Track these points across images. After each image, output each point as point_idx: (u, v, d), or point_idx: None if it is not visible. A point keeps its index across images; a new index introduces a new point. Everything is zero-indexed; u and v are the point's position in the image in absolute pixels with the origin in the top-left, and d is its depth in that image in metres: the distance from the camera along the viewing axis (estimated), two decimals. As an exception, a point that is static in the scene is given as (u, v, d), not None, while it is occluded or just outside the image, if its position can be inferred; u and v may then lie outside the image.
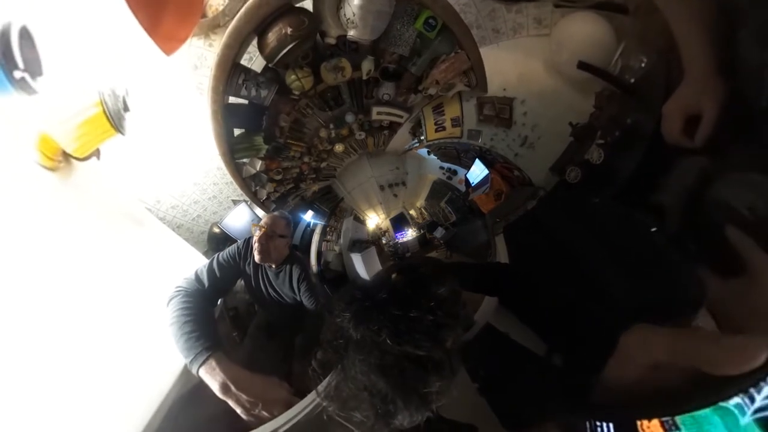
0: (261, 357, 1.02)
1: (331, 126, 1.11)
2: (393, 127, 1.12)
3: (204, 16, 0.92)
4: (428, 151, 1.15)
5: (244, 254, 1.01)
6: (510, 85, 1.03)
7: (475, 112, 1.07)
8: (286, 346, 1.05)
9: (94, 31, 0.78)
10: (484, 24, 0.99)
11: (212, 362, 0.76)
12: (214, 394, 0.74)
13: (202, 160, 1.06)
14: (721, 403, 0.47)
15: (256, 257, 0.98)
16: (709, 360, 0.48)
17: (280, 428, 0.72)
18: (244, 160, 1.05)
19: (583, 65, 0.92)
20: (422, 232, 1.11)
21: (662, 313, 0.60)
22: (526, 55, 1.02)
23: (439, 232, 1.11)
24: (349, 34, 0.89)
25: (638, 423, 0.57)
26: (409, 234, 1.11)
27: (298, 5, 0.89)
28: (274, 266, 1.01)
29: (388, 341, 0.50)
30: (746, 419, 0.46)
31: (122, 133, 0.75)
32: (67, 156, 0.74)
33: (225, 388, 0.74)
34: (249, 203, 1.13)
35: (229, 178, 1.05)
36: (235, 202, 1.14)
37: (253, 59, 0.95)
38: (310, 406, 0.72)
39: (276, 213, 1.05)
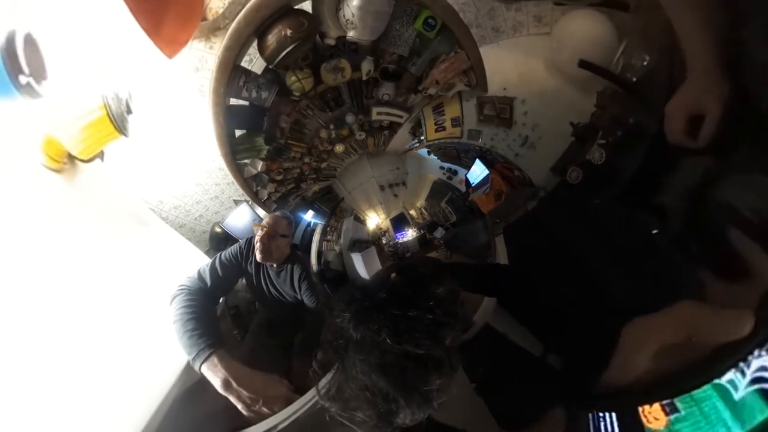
0: (262, 354, 1.03)
1: (332, 126, 1.11)
2: (393, 127, 1.12)
3: (204, 19, 0.93)
4: (428, 151, 1.14)
5: (245, 253, 1.02)
6: (510, 84, 1.02)
7: (475, 111, 1.06)
8: (286, 344, 1.06)
9: (97, 36, 0.80)
10: (484, 23, 0.98)
11: (214, 359, 0.77)
12: (214, 392, 0.76)
13: (204, 161, 1.07)
14: (716, 381, 0.49)
15: (258, 256, 0.99)
16: (707, 329, 0.51)
17: (280, 424, 0.74)
18: (246, 160, 1.06)
19: (584, 64, 0.90)
20: (422, 232, 1.11)
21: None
22: (527, 54, 1.00)
23: (439, 233, 1.10)
24: (348, 35, 0.90)
25: (640, 409, 0.58)
26: (409, 234, 1.11)
27: (297, 7, 0.90)
28: (275, 265, 1.03)
29: (388, 340, 0.50)
30: (740, 393, 0.47)
31: (126, 135, 0.77)
32: (72, 158, 0.76)
33: (226, 384, 0.76)
34: (250, 203, 1.14)
35: (230, 178, 1.05)
36: (237, 202, 1.15)
37: (253, 61, 0.96)
38: (310, 403, 0.73)
39: (277, 213, 1.06)
